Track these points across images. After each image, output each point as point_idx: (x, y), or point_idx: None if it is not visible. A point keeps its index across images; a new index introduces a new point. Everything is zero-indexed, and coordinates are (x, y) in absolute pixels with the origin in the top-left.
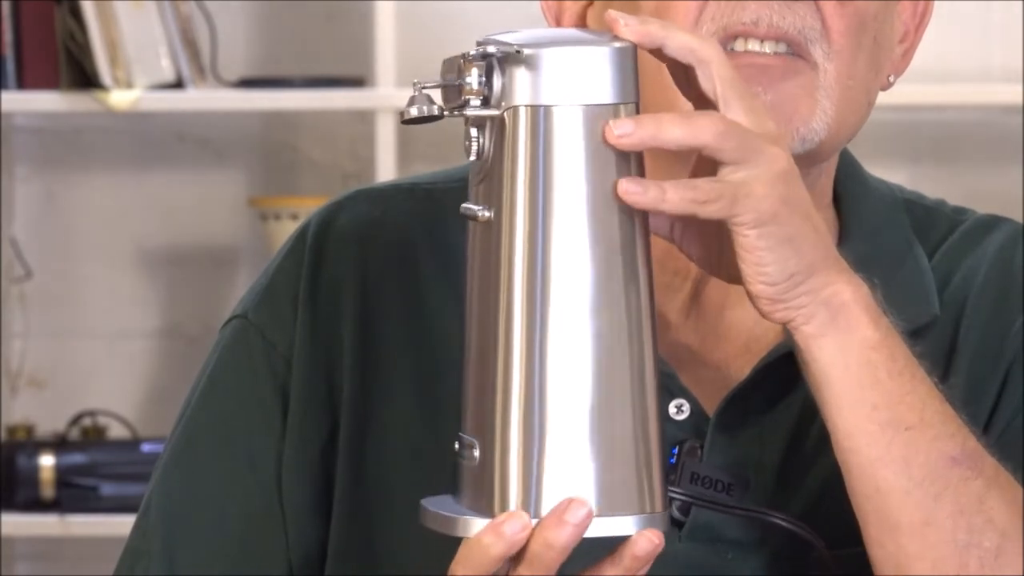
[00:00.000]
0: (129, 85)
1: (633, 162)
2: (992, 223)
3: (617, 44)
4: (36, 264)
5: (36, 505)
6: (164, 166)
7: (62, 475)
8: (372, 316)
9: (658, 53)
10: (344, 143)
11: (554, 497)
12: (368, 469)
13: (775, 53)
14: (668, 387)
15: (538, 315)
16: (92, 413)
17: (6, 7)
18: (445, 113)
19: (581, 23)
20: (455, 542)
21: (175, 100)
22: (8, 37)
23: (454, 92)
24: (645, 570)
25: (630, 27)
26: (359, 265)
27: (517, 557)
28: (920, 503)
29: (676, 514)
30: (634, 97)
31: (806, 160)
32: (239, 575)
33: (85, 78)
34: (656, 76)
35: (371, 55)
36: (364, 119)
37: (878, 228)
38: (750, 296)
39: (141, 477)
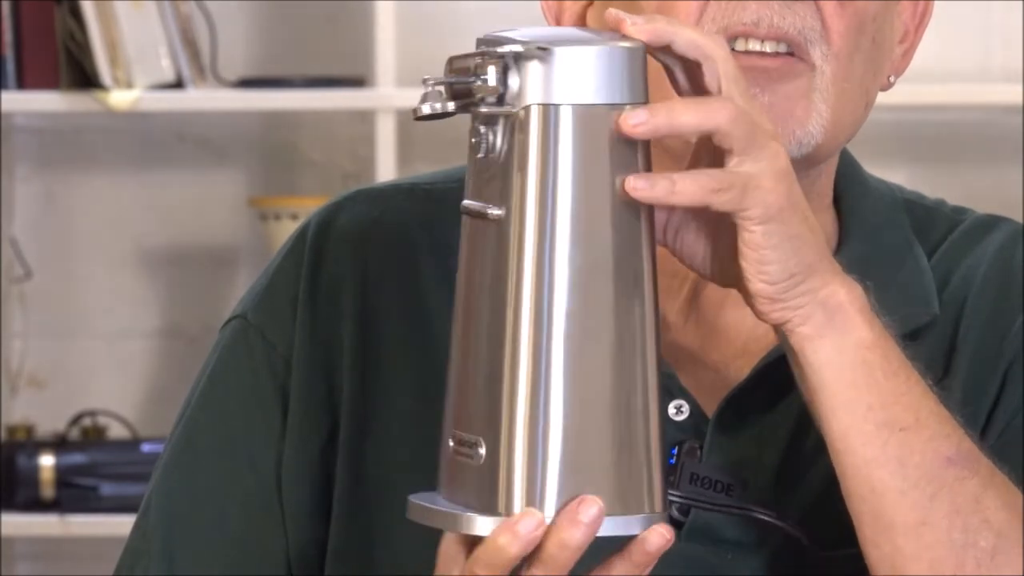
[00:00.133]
0: (129, 85)
1: (642, 161)
2: (991, 223)
3: (630, 44)
4: (36, 264)
5: (36, 505)
6: (164, 166)
7: (62, 475)
8: (372, 316)
9: (663, 51)
10: (344, 143)
11: (565, 496)
12: (368, 469)
13: (775, 53)
14: (667, 388)
15: (552, 314)
16: (92, 413)
17: (6, 7)
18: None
19: (581, 23)
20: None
21: (175, 100)
22: (8, 37)
23: (464, 89)
24: (650, 567)
25: (637, 26)
26: (359, 265)
27: (530, 557)
28: (916, 503)
29: (676, 514)
30: (645, 97)
31: (803, 163)
32: (239, 575)
33: (85, 78)
34: (653, 78)
35: (371, 55)
36: (364, 119)
37: (878, 228)
38: (749, 295)
39: (141, 477)
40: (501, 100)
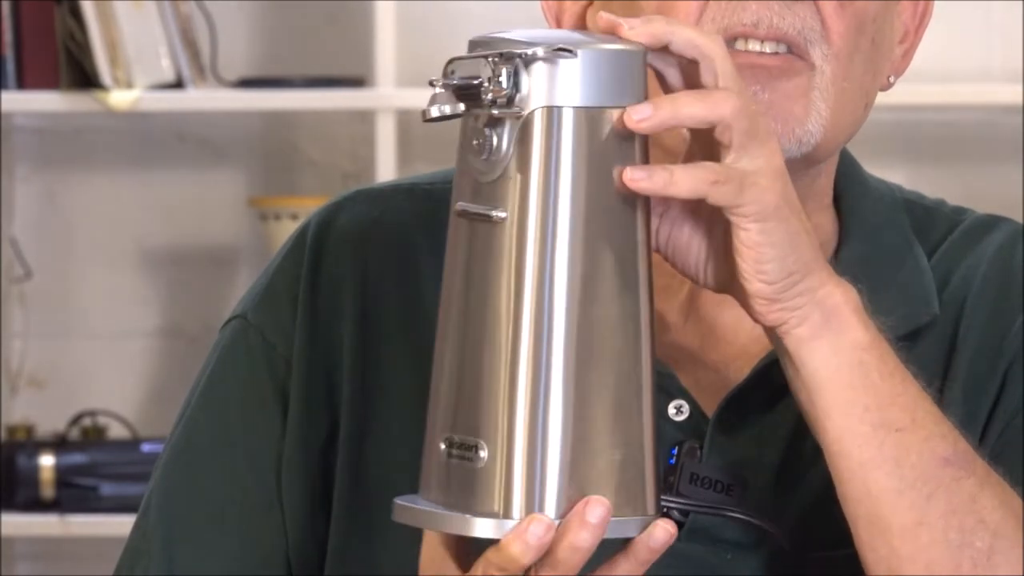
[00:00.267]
0: (129, 85)
1: (641, 159)
2: (991, 223)
3: (631, 46)
4: (36, 264)
5: (36, 505)
6: (164, 166)
7: (62, 475)
8: (372, 316)
9: (660, 52)
10: (344, 143)
11: (569, 498)
12: (368, 469)
13: (775, 53)
14: (667, 388)
15: (561, 317)
16: (92, 413)
17: (6, 7)
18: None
19: (581, 23)
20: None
21: (175, 100)
22: (8, 37)
23: (471, 91)
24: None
25: (635, 29)
26: (359, 265)
27: (540, 560)
28: (912, 504)
29: (676, 515)
30: (646, 98)
31: (803, 162)
32: (239, 574)
33: (85, 78)
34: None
35: (371, 55)
36: (364, 119)
37: (878, 228)
38: (746, 297)
39: (141, 477)
40: (510, 102)
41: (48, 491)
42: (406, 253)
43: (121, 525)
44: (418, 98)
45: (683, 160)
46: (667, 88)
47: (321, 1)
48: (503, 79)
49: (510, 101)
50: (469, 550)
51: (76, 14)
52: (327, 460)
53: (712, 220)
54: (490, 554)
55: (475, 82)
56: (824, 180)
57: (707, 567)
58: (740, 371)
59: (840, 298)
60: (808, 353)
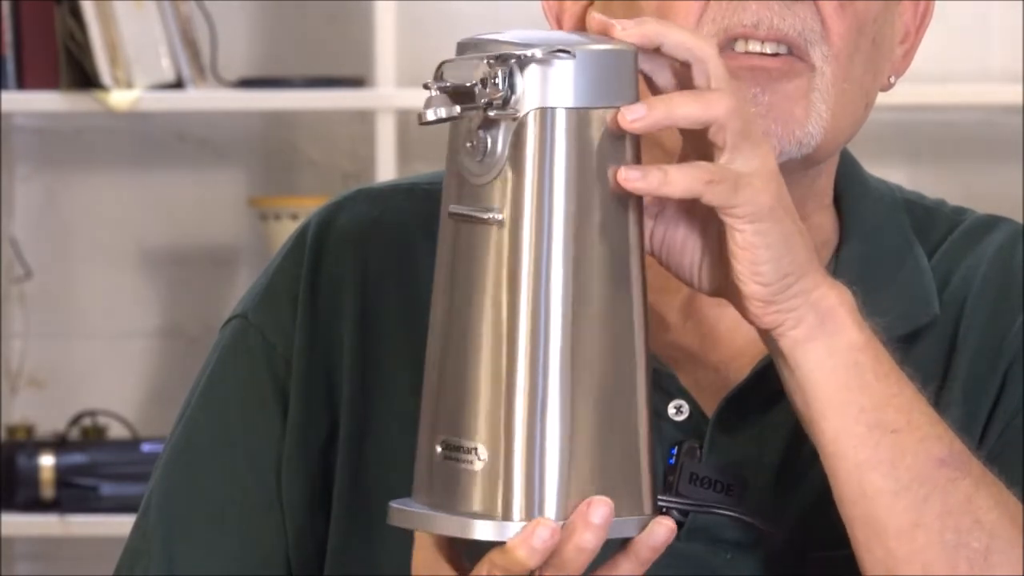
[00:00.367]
0: (129, 85)
1: (634, 159)
2: (991, 223)
3: (625, 46)
4: (36, 264)
5: (36, 505)
6: (164, 166)
7: (62, 475)
8: (372, 316)
9: (650, 53)
10: (344, 143)
11: (572, 498)
12: (368, 468)
13: (775, 54)
14: (667, 388)
15: (564, 317)
16: (92, 413)
17: (6, 7)
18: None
19: (580, 24)
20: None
21: (175, 100)
22: (8, 37)
23: (466, 93)
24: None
25: (628, 30)
26: (359, 265)
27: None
28: (908, 505)
29: (675, 515)
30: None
31: (803, 162)
32: (239, 574)
33: (85, 78)
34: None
35: (371, 55)
36: (364, 119)
37: (878, 228)
38: (742, 299)
39: (141, 477)
40: (505, 104)
41: (48, 491)
42: (406, 253)
43: (121, 525)
44: (418, 98)
45: (678, 160)
46: (655, 91)
47: (321, 1)
48: (499, 81)
49: (505, 103)
50: (462, 551)
51: (76, 14)
52: (327, 460)
53: (706, 223)
54: (495, 556)
55: (470, 85)
56: (824, 180)
57: (707, 567)
58: (740, 371)
59: (835, 300)
60: (803, 355)
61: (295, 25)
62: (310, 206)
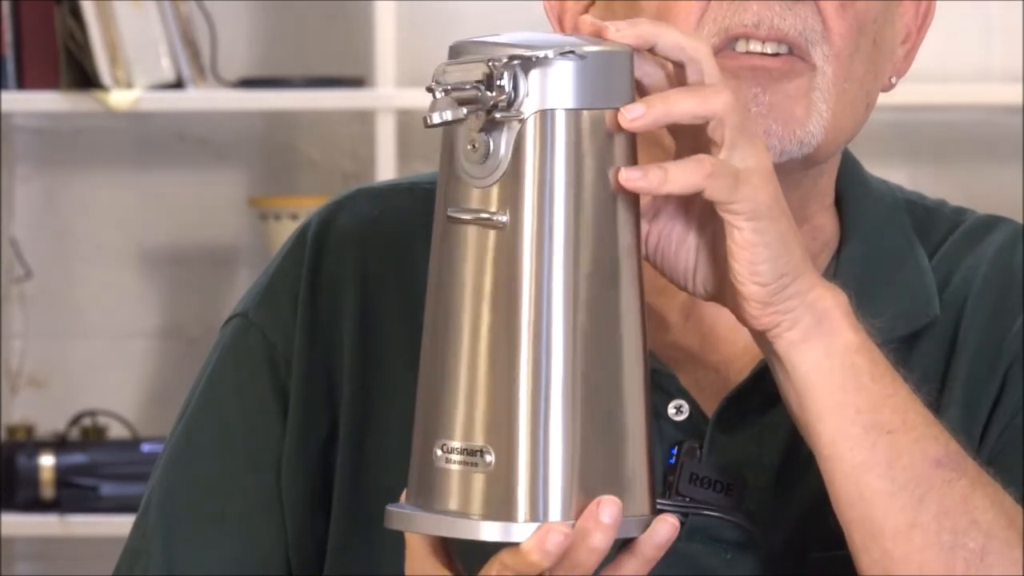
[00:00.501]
0: (129, 85)
1: (632, 159)
2: (992, 223)
3: (622, 47)
4: (36, 264)
5: (36, 505)
6: (164, 166)
7: (62, 475)
8: (372, 315)
9: (647, 54)
10: (344, 143)
11: (579, 499)
12: (368, 468)
13: (776, 54)
14: (667, 388)
15: (567, 319)
16: (92, 413)
17: (6, 7)
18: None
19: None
20: (454, 540)
21: (175, 100)
22: (8, 37)
23: (470, 96)
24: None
25: (622, 31)
26: (359, 264)
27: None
28: (905, 506)
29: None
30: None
31: (804, 163)
32: (239, 574)
33: (85, 78)
34: None
35: (371, 55)
36: (364, 119)
37: (879, 229)
38: (739, 299)
39: (141, 477)
40: (509, 106)
41: (48, 491)
42: (406, 252)
43: (121, 525)
44: (418, 98)
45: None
46: (644, 93)
47: (321, 1)
48: (504, 83)
49: (510, 104)
50: (455, 554)
51: (76, 14)
52: (327, 459)
53: (702, 227)
54: (506, 558)
55: (474, 87)
56: (826, 181)
57: (707, 567)
58: (740, 371)
59: (831, 301)
60: (800, 356)
61: (295, 25)
62: (310, 206)
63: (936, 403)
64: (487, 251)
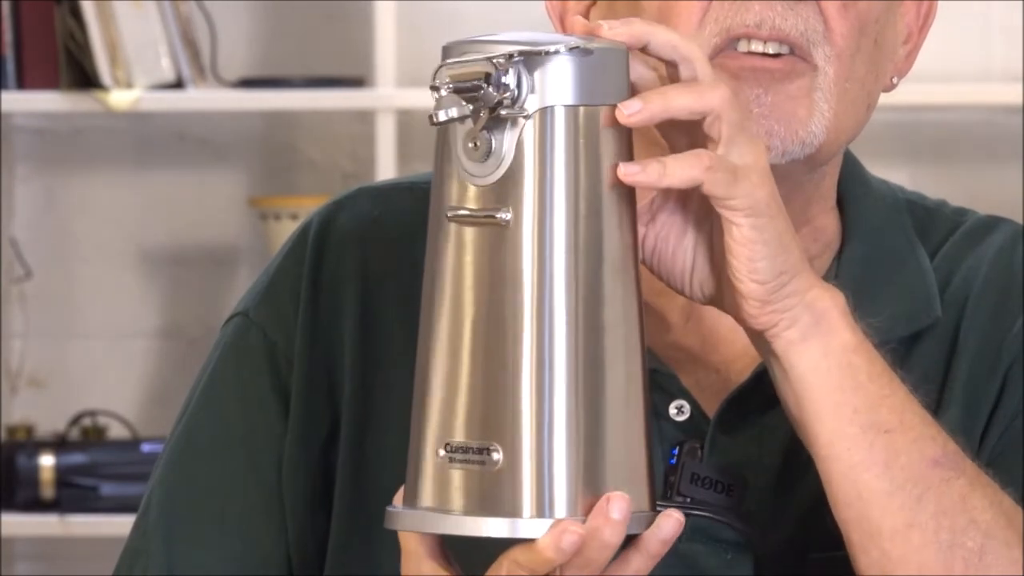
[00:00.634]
0: (129, 85)
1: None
2: (992, 224)
3: (619, 45)
4: (36, 264)
5: (36, 505)
6: (164, 166)
7: (62, 475)
8: (373, 314)
9: (641, 52)
10: (344, 143)
11: (587, 495)
12: (369, 467)
13: (777, 54)
14: (668, 388)
15: (578, 317)
16: (92, 413)
17: (6, 7)
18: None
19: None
20: (454, 539)
21: (175, 100)
22: (8, 37)
23: (473, 94)
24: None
25: (615, 29)
26: (360, 263)
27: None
28: (903, 506)
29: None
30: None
31: (806, 163)
32: (239, 574)
33: (85, 78)
34: None
35: (371, 55)
36: (364, 119)
37: (880, 229)
38: (737, 300)
39: (141, 477)
40: (514, 103)
41: (48, 491)
42: (407, 252)
43: (121, 525)
44: (418, 98)
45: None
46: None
47: (321, 1)
48: (510, 80)
49: (514, 101)
50: (450, 555)
51: (76, 14)
52: (328, 458)
53: (698, 229)
54: (518, 555)
55: (481, 84)
56: (829, 182)
57: (707, 567)
58: (741, 372)
59: (828, 301)
60: (798, 356)
61: (295, 25)
62: (310, 206)
63: (936, 404)
64: (490, 249)
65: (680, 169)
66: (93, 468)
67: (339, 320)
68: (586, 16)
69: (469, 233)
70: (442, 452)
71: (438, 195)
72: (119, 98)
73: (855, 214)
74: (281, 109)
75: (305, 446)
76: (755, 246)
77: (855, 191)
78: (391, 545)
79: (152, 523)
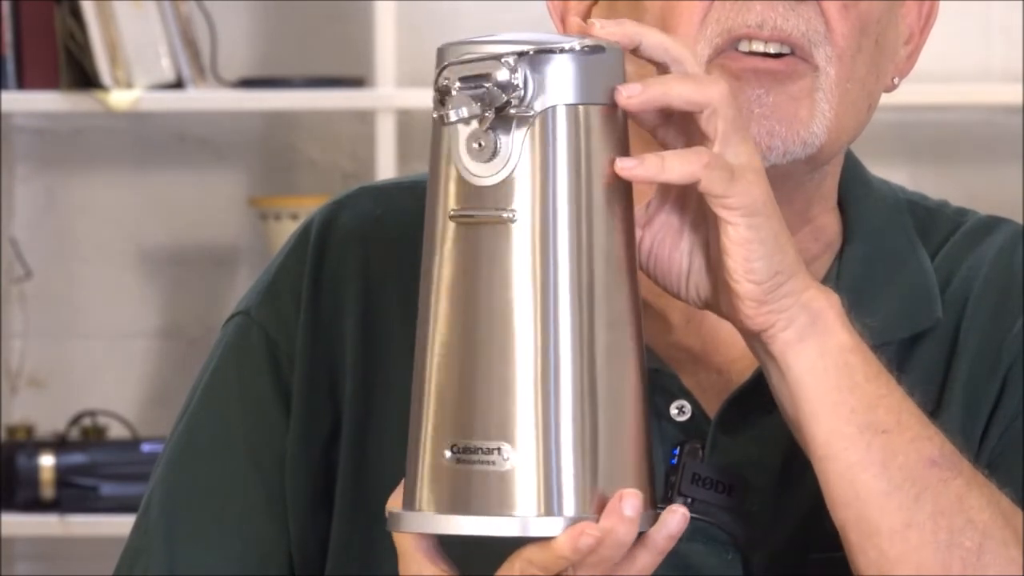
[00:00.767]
0: (129, 85)
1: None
2: (992, 224)
3: (615, 44)
4: (36, 264)
5: (36, 505)
6: (164, 166)
7: (62, 475)
8: (374, 314)
9: (633, 52)
10: (344, 143)
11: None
12: (370, 466)
13: (778, 55)
14: (670, 388)
15: (585, 315)
16: (92, 413)
17: (6, 7)
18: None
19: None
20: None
21: (175, 100)
22: (8, 37)
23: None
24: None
25: (607, 29)
26: (361, 263)
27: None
28: (900, 506)
29: None
30: None
31: (807, 164)
32: (240, 573)
33: (85, 78)
34: None
35: (371, 55)
36: (364, 119)
37: (881, 229)
38: (734, 301)
39: (141, 477)
40: (522, 102)
41: (48, 491)
42: (408, 251)
43: (121, 525)
44: (418, 98)
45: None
46: None
47: (321, 1)
48: (517, 79)
49: (521, 101)
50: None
51: (76, 14)
52: (329, 458)
53: (694, 232)
54: (532, 554)
55: (489, 84)
56: (830, 183)
57: (707, 567)
58: (742, 373)
59: (824, 302)
60: (795, 356)
61: (295, 25)
62: (310, 206)
63: (936, 404)
64: (495, 249)
65: (678, 164)
66: (93, 468)
67: (341, 319)
68: (587, 15)
69: (472, 233)
70: (448, 453)
71: (437, 195)
72: (119, 98)
73: (856, 214)
74: (281, 109)
75: (306, 445)
76: (751, 246)
77: (856, 191)
78: (392, 544)
79: (153, 522)
